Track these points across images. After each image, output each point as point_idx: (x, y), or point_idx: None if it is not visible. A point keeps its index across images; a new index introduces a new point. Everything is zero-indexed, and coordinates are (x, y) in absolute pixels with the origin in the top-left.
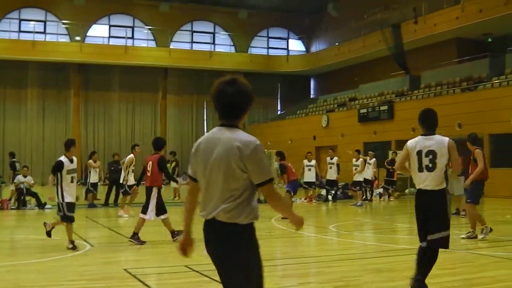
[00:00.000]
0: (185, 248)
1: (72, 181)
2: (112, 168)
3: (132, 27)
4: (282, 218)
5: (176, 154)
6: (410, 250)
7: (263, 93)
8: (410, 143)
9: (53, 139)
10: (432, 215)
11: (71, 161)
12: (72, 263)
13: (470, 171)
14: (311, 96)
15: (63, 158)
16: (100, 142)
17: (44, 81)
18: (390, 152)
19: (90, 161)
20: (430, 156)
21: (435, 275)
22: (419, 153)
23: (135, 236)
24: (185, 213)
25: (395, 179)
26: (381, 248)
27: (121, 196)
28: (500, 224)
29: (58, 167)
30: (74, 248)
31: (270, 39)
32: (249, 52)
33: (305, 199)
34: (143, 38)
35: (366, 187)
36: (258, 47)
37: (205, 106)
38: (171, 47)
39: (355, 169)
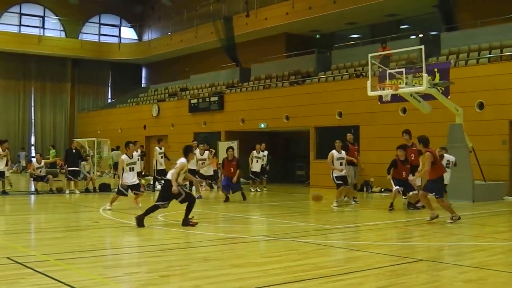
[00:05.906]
0: None
1: None
2: None
3: None
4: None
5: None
6: (238, 239)
7: (94, 81)
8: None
9: None
10: None
11: None
12: None
13: None
14: (142, 85)
15: None
16: None
17: None
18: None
19: None
20: None
21: (260, 263)
22: None
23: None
24: None
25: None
26: (208, 237)
27: None
28: (323, 213)
29: None
30: None
31: (102, 26)
32: (79, 38)
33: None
34: None
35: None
36: (89, 33)
37: (32, 92)
38: None
39: (202, 163)
